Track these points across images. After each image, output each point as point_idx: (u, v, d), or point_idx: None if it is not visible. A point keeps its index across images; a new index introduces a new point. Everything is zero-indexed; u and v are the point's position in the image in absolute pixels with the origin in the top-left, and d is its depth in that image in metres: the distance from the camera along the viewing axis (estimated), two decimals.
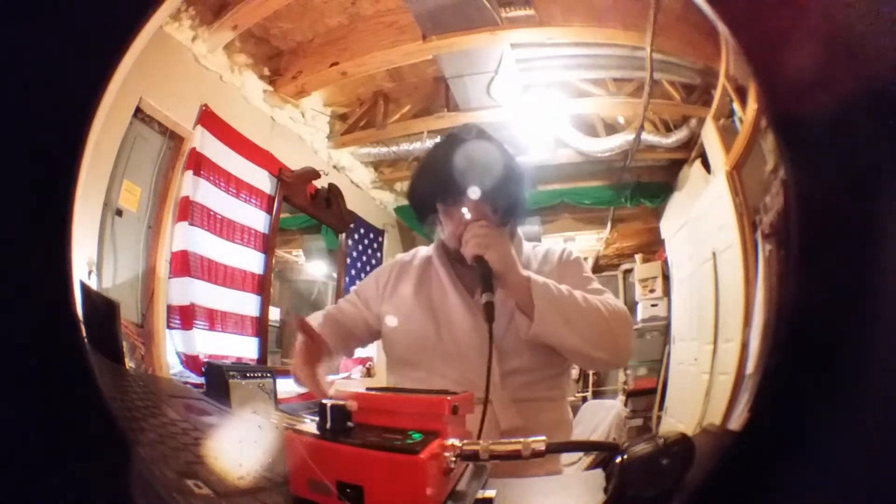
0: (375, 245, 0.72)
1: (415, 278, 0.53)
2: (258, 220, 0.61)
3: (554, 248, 0.55)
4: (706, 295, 0.51)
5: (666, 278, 0.59)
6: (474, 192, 0.47)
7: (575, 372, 0.60)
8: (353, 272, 0.70)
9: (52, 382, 0.45)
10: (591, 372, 0.60)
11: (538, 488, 0.47)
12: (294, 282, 0.71)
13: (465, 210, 0.48)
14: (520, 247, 0.54)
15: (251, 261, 0.60)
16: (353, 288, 0.57)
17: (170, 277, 0.52)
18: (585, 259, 0.56)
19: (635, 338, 0.53)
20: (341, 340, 0.53)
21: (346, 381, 0.66)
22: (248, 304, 0.59)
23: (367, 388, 0.47)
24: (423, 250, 0.56)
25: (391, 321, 0.52)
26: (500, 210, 0.48)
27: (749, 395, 0.44)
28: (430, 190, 0.50)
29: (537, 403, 0.50)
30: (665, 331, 0.56)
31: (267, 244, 0.62)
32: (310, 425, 0.39)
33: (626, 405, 0.63)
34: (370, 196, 0.70)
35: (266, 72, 0.60)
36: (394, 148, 0.66)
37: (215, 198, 0.56)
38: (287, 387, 0.59)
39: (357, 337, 0.55)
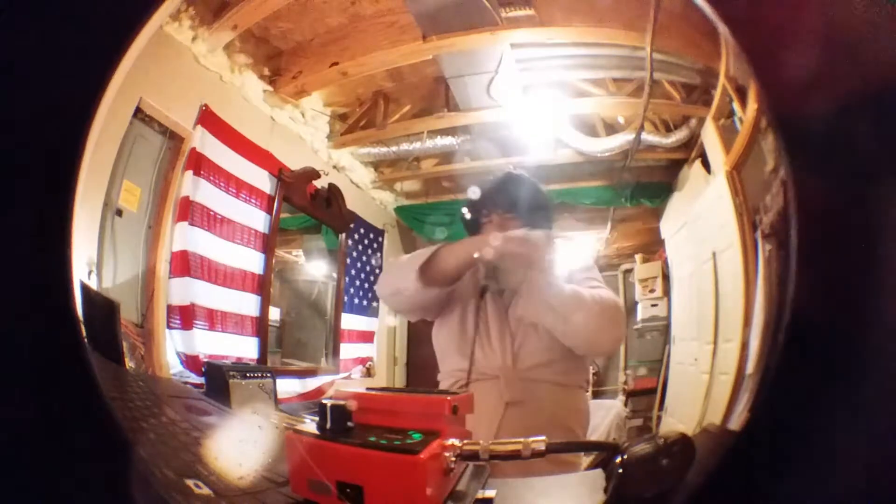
0: (375, 245, 0.72)
1: (469, 277, 0.63)
2: (258, 220, 0.61)
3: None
4: (706, 295, 0.51)
5: (666, 278, 0.59)
6: (504, 210, 0.60)
7: None
8: (353, 272, 0.70)
9: (52, 382, 0.45)
10: (591, 371, 0.63)
11: (538, 488, 0.47)
12: (294, 282, 0.71)
13: (495, 224, 0.60)
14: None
15: (251, 261, 0.60)
16: None
17: (170, 277, 0.52)
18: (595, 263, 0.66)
19: (622, 327, 0.61)
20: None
21: (346, 381, 0.66)
22: (248, 304, 0.59)
23: (367, 388, 0.47)
24: None
25: (452, 304, 0.61)
26: (529, 223, 0.60)
27: (749, 395, 0.44)
28: (474, 210, 0.62)
29: (545, 385, 0.58)
30: (665, 331, 0.56)
31: (267, 244, 0.62)
32: (310, 425, 0.39)
33: (626, 405, 0.63)
34: (370, 196, 0.70)
35: (266, 72, 0.60)
36: (394, 148, 0.66)
37: (215, 198, 0.56)
38: (287, 387, 0.59)
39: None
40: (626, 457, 0.40)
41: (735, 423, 0.44)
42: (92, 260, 0.47)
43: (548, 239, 0.62)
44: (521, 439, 0.38)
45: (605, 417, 0.61)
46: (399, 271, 0.64)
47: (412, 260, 0.60)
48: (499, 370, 0.57)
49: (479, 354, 0.59)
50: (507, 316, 0.60)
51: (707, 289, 0.51)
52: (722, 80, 0.51)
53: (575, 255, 0.66)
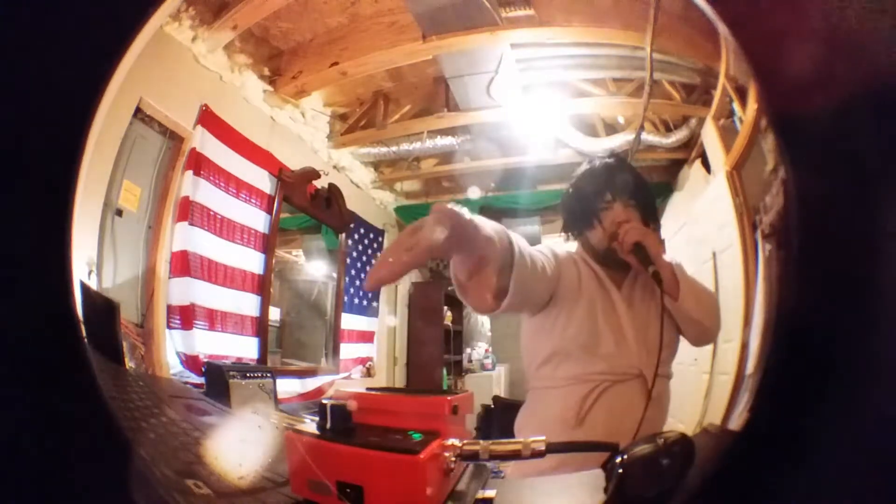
0: (375, 245, 0.72)
1: (574, 269, 0.58)
2: (258, 220, 0.61)
3: None
4: None
5: None
6: (627, 197, 0.57)
7: None
8: (353, 272, 0.70)
9: (52, 382, 0.45)
10: None
11: (538, 488, 0.47)
12: (294, 282, 0.71)
13: (618, 212, 0.56)
14: None
15: (251, 261, 0.60)
16: (538, 246, 0.57)
17: (170, 277, 0.52)
18: None
19: None
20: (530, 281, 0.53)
21: (346, 381, 0.66)
22: (248, 304, 0.59)
23: (367, 388, 0.47)
24: (561, 248, 0.60)
25: (564, 300, 0.56)
26: (644, 214, 0.57)
27: (749, 395, 0.44)
28: (592, 196, 0.58)
29: (664, 380, 0.54)
30: None
31: (267, 244, 0.62)
32: (310, 425, 0.39)
33: None
34: (370, 196, 0.70)
35: (266, 72, 0.60)
36: (394, 148, 0.66)
37: (215, 198, 0.56)
38: (287, 387, 0.59)
39: (539, 292, 0.55)
40: (626, 457, 0.40)
41: (735, 423, 0.44)
42: (92, 260, 0.47)
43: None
44: (521, 439, 0.38)
45: None
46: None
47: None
48: (638, 367, 0.53)
49: (615, 353, 0.54)
50: (643, 308, 0.56)
51: None
52: (722, 80, 0.51)
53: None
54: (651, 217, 0.57)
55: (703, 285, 0.55)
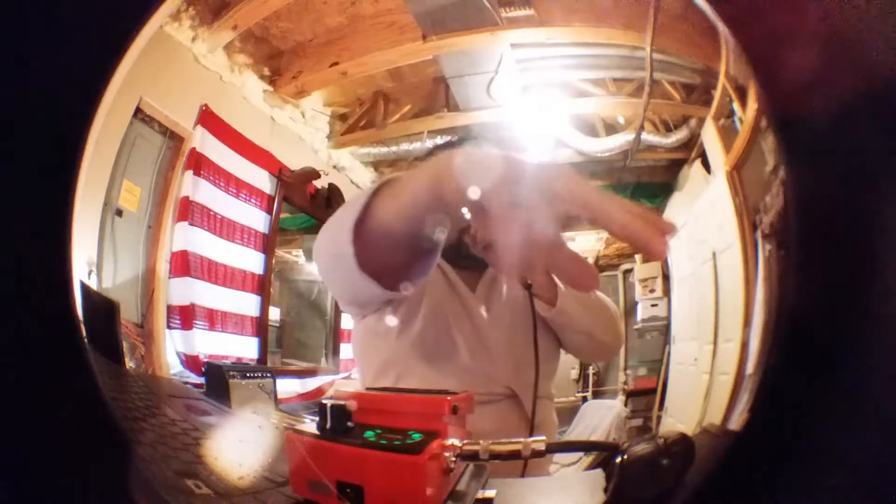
0: None
1: None
2: (258, 220, 0.61)
3: None
4: (706, 295, 0.51)
5: (666, 278, 0.59)
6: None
7: (574, 372, 0.60)
8: None
9: (52, 382, 0.45)
10: (591, 371, 0.60)
11: (538, 488, 0.47)
12: (294, 282, 0.71)
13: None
14: None
15: (251, 261, 0.60)
16: None
17: (170, 277, 0.52)
18: None
19: None
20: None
21: (346, 381, 0.66)
22: (248, 304, 0.59)
23: (367, 388, 0.47)
24: None
25: (402, 299, 0.46)
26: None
27: (749, 395, 0.44)
28: None
29: (544, 401, 0.49)
30: (665, 331, 0.56)
31: (267, 244, 0.62)
32: (310, 425, 0.39)
33: (626, 405, 0.63)
34: None
35: (266, 72, 0.60)
36: (394, 148, 0.66)
37: (215, 198, 0.56)
38: (287, 387, 0.59)
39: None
40: (626, 457, 0.40)
41: (735, 423, 0.44)
42: (92, 260, 0.47)
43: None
44: (521, 439, 0.38)
45: (605, 417, 0.60)
46: (335, 226, 0.41)
47: (351, 206, 0.39)
48: (507, 385, 0.46)
49: (472, 366, 0.46)
50: (506, 314, 0.47)
51: (707, 289, 0.51)
52: (722, 80, 0.51)
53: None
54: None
55: (602, 296, 0.48)
